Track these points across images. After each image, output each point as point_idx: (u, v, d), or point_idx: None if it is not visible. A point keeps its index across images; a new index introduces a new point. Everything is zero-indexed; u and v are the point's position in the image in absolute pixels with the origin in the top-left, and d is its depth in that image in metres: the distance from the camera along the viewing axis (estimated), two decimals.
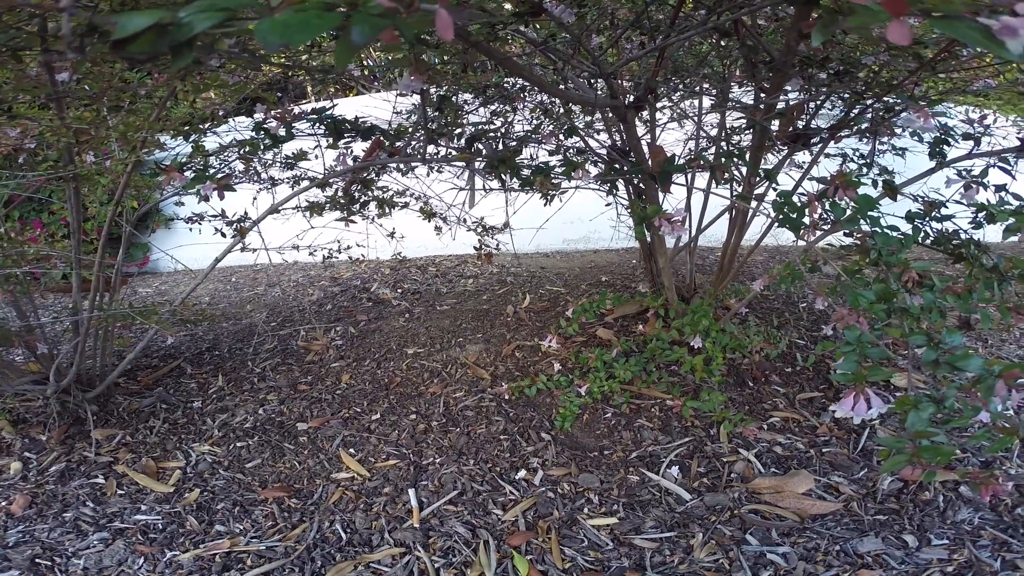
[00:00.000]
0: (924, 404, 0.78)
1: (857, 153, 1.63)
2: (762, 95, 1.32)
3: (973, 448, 1.44)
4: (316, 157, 1.73)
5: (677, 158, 1.32)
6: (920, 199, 1.19)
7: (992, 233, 1.17)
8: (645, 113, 1.98)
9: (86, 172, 1.52)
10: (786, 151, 1.69)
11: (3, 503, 1.43)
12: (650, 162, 1.41)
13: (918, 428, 0.75)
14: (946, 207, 1.15)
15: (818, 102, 1.53)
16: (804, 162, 1.94)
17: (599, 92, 1.60)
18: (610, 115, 1.72)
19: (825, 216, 1.06)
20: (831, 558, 1.17)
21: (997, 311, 0.86)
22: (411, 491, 1.41)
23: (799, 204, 1.04)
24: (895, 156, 1.63)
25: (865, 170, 1.55)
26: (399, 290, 2.89)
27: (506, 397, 1.77)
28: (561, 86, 1.47)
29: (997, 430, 0.78)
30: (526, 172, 1.35)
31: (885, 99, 1.25)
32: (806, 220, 1.08)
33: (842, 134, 1.52)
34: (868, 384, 0.84)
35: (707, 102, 2.00)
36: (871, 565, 1.14)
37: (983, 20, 0.34)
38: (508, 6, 1.27)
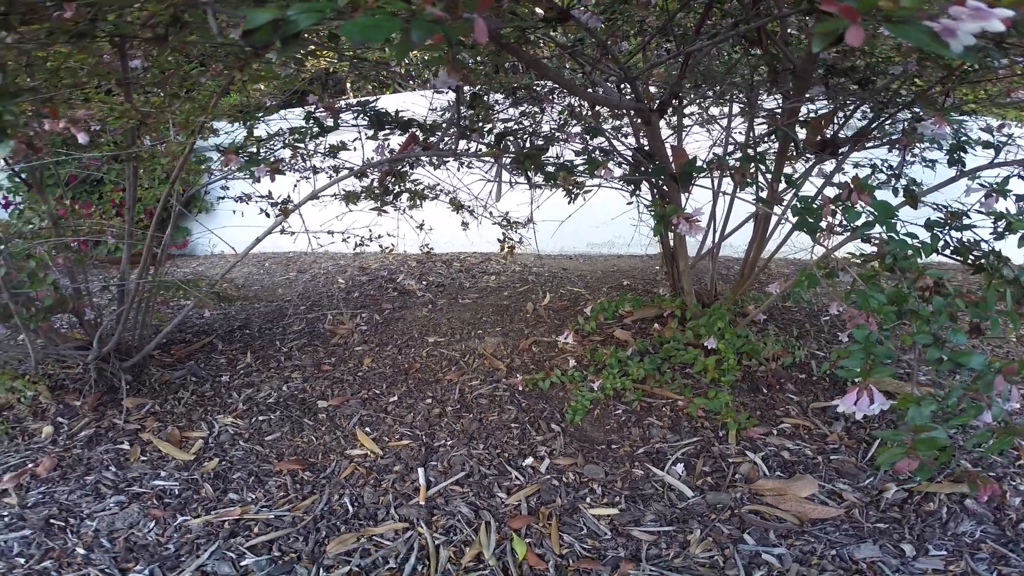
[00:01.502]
0: (927, 401, 0.78)
1: (885, 164, 1.62)
2: (785, 102, 1.33)
3: (984, 457, 1.41)
4: (355, 149, 1.81)
5: (700, 162, 1.34)
6: (943, 209, 1.19)
7: (1013, 244, 1.15)
8: (675, 118, 2.00)
9: (146, 154, 1.63)
10: (814, 160, 1.69)
11: (30, 465, 1.51)
12: (672, 164, 1.44)
13: (918, 422, 0.75)
14: (968, 217, 1.14)
15: (847, 112, 1.53)
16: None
17: (626, 96, 1.63)
18: (636, 118, 1.75)
19: (841, 221, 1.07)
20: (826, 562, 1.16)
21: (1008, 320, 0.86)
22: (420, 470, 1.46)
23: (816, 208, 1.05)
24: (924, 168, 1.61)
25: (893, 180, 1.54)
26: (424, 282, 2.96)
27: (520, 388, 1.80)
28: (589, 89, 1.51)
29: (998, 431, 0.78)
30: (550, 168, 1.40)
31: (914, 109, 1.25)
32: (823, 224, 1.09)
33: (869, 144, 1.52)
34: (872, 381, 0.85)
35: (736, 108, 2.01)
36: (865, 572, 1.13)
37: (927, 23, 0.37)
38: (539, 10, 1.32)
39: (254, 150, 1.61)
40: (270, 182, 1.34)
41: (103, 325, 1.76)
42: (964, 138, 1.12)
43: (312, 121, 1.42)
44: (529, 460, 1.50)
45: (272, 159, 1.56)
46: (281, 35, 0.43)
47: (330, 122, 1.40)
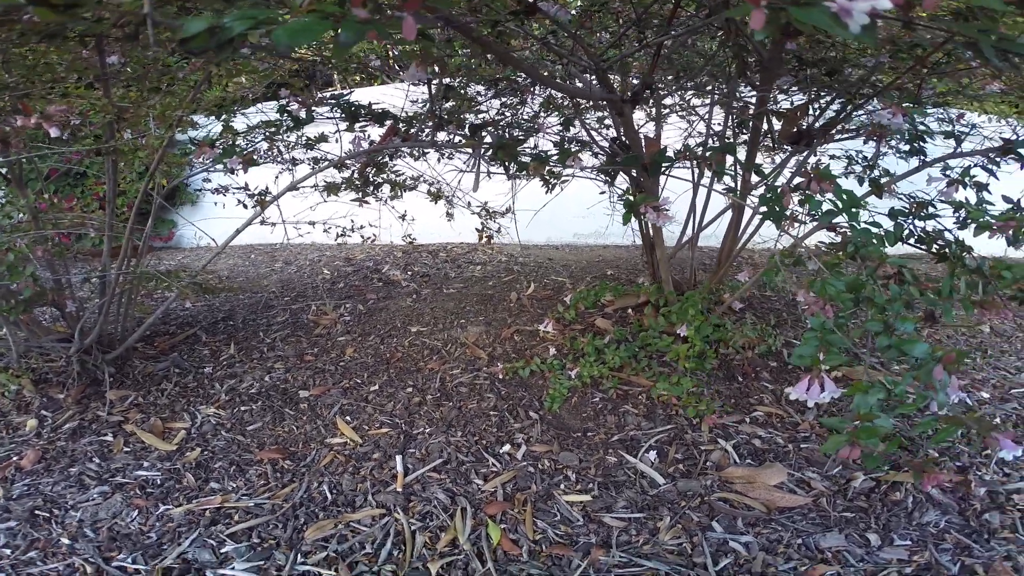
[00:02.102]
0: (874, 389, 0.81)
1: (860, 155, 1.63)
2: (755, 93, 1.34)
3: (950, 452, 1.45)
4: (336, 140, 1.81)
5: (673, 151, 1.35)
6: (910, 198, 1.20)
7: (980, 237, 1.17)
8: (655, 109, 2.00)
9: (126, 147, 1.63)
10: (790, 151, 1.70)
11: (15, 458, 1.52)
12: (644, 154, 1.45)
13: (863, 411, 0.78)
14: (934, 206, 1.16)
15: (821, 104, 1.54)
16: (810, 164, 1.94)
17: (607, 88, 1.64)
18: (611, 110, 1.76)
19: (807, 210, 1.09)
20: (792, 551, 1.19)
21: (962, 306, 0.88)
22: (398, 458, 1.48)
23: (779, 196, 1.07)
24: (899, 159, 1.63)
25: (867, 171, 1.55)
26: (409, 272, 2.97)
27: (500, 376, 1.82)
28: (565, 81, 1.52)
29: (944, 420, 0.80)
30: (525, 159, 1.41)
31: (883, 100, 1.26)
32: (787, 212, 1.10)
33: (844, 135, 1.53)
34: (823, 370, 0.87)
35: (715, 98, 2.01)
36: (830, 561, 1.16)
37: (827, 4, 0.38)
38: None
39: (231, 142, 1.62)
40: (243, 173, 1.35)
41: (84, 317, 1.77)
42: (922, 128, 1.13)
43: (285, 114, 1.42)
44: (506, 447, 1.52)
45: (249, 151, 1.57)
46: (217, 41, 0.45)
47: (304, 115, 1.40)
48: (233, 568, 1.18)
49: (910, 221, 1.13)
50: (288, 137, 1.82)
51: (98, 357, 1.84)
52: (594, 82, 1.63)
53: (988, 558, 1.16)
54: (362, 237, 2.37)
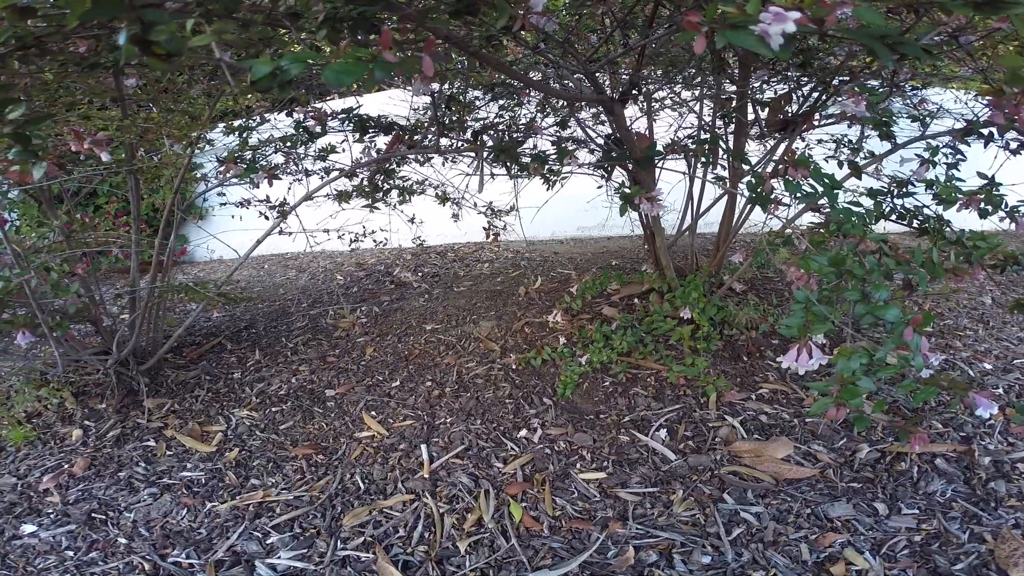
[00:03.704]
0: (857, 354, 0.89)
1: (846, 139, 1.70)
2: (736, 86, 1.42)
3: (954, 423, 1.49)
4: (344, 150, 1.91)
5: (662, 145, 1.43)
6: (890, 178, 1.28)
7: (964, 213, 1.24)
8: (647, 104, 2.08)
9: (149, 166, 1.73)
10: (777, 139, 1.78)
11: (66, 466, 1.63)
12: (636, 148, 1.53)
13: (845, 375, 0.86)
14: (913, 185, 1.24)
15: (804, 92, 1.61)
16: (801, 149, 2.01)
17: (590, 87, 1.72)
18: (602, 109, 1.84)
19: (788, 194, 1.17)
20: (802, 520, 1.24)
21: (932, 273, 0.96)
22: (423, 447, 1.58)
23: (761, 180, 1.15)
24: (883, 142, 1.70)
25: (852, 154, 1.63)
26: (419, 274, 3.07)
27: (513, 367, 1.92)
28: (556, 85, 1.60)
29: (921, 382, 0.88)
30: (525, 160, 1.50)
31: (853, 86, 1.33)
32: (771, 196, 1.18)
33: (829, 121, 1.60)
34: (810, 339, 0.95)
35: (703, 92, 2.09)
36: (840, 529, 1.21)
37: (752, 28, 0.47)
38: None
39: (249, 157, 1.72)
40: (269, 187, 1.45)
41: (119, 331, 1.88)
42: (885, 114, 1.20)
43: (301, 129, 1.52)
44: (523, 432, 1.61)
45: (267, 165, 1.67)
46: (279, 81, 0.54)
47: (319, 129, 1.50)
48: (280, 557, 1.27)
49: (890, 200, 1.21)
50: (299, 149, 1.92)
51: (133, 368, 1.95)
52: (585, 83, 1.72)
53: (996, 526, 1.18)
54: (374, 241, 2.47)
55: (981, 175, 1.20)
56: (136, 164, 1.67)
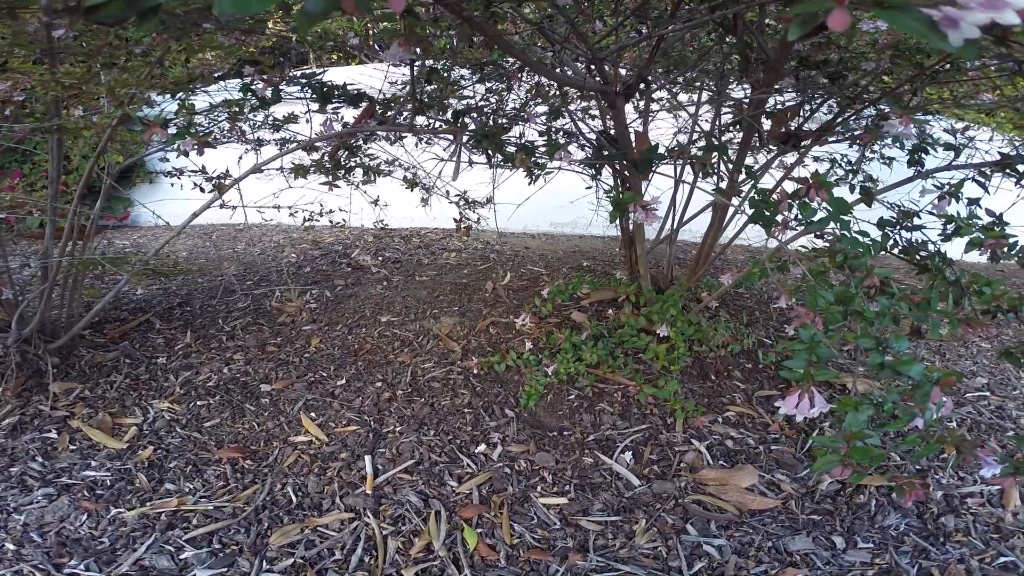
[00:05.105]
0: (864, 406, 0.79)
1: (845, 159, 1.63)
2: (754, 92, 1.31)
3: (910, 458, 1.48)
4: (307, 121, 1.70)
5: (663, 149, 1.31)
6: (896, 208, 1.20)
7: (958, 246, 1.18)
8: (643, 103, 1.96)
9: (71, 125, 1.49)
10: (776, 152, 1.69)
11: None
12: (635, 150, 1.40)
13: (854, 429, 0.76)
14: (919, 217, 1.16)
15: (813, 105, 1.52)
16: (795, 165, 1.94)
17: (597, 78, 1.58)
18: (602, 101, 1.70)
19: (797, 216, 1.07)
20: (762, 554, 1.20)
21: (947, 322, 0.88)
22: (367, 458, 1.42)
23: (772, 202, 1.04)
24: (882, 165, 1.64)
25: (850, 176, 1.55)
26: (380, 258, 2.88)
27: (475, 371, 1.78)
28: (556, 69, 1.45)
29: (928, 436, 0.80)
30: (510, 149, 1.34)
31: (879, 106, 1.25)
32: (779, 218, 1.08)
33: (831, 139, 1.52)
34: (814, 383, 0.85)
35: (705, 96, 1.98)
36: (798, 564, 1.18)
37: (926, 11, 0.34)
38: None
39: (188, 123, 1.50)
40: (199, 156, 1.24)
41: (24, 303, 1.63)
42: (928, 139, 1.12)
43: (249, 93, 1.31)
44: (481, 447, 1.48)
45: (206, 133, 1.45)
46: (137, 9, 0.37)
47: (269, 94, 1.30)
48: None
49: (896, 231, 1.13)
50: (255, 117, 1.70)
51: (40, 347, 1.70)
52: (588, 71, 1.58)
53: (943, 561, 1.19)
54: (331, 222, 2.27)
55: (990, 212, 1.14)
56: (55, 123, 1.43)
